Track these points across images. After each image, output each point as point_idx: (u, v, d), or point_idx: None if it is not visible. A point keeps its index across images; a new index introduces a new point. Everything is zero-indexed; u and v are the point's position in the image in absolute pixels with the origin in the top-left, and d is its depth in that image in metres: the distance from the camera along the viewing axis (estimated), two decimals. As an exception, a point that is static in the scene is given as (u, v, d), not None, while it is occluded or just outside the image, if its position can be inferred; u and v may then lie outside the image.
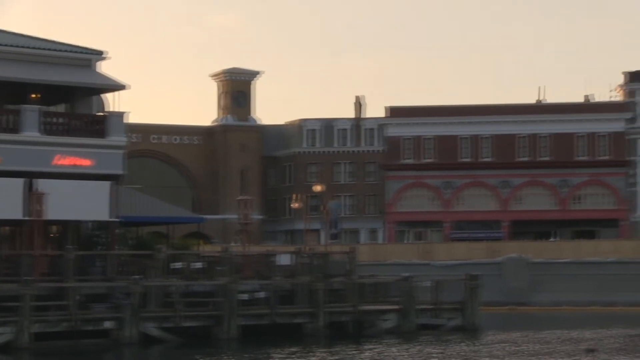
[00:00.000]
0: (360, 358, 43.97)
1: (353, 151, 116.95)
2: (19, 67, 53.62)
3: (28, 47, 55.19)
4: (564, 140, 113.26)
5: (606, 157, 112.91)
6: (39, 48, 55.65)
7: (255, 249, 69.81)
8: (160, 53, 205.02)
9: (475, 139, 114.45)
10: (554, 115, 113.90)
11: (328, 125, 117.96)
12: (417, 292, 57.43)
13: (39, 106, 52.80)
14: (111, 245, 54.09)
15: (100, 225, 54.69)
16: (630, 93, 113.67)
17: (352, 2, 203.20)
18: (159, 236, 66.55)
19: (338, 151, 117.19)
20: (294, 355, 44.97)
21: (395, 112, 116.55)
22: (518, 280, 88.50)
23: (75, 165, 52.88)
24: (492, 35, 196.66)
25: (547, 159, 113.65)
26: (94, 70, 56.79)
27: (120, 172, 54.47)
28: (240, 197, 76.88)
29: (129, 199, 58.72)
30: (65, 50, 56.37)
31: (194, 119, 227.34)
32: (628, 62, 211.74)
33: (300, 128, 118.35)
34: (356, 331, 54.80)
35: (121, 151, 54.48)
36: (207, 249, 73.36)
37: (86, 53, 57.03)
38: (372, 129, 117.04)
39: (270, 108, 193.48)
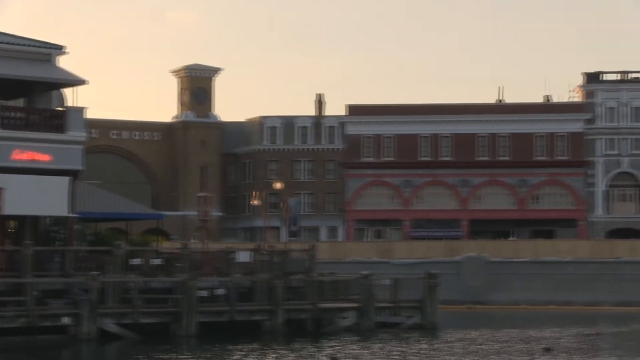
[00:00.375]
0: (321, 356, 43.97)
1: (313, 149, 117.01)
2: (-23, 61, 53.10)
3: (-14, 41, 54.65)
4: (523, 140, 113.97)
5: (565, 158, 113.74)
6: (-3, 42, 55.12)
7: (214, 245, 69.70)
8: (121, 48, 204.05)
9: (435, 138, 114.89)
10: (514, 115, 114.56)
11: (288, 122, 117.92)
12: (376, 290, 57.58)
13: (-3, 100, 52.31)
14: (69, 241, 53.70)
15: (59, 220, 54.26)
16: (589, 94, 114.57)
17: (312, 0, 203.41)
18: (117, 232, 66.18)
19: (298, 149, 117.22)
20: (253, 353, 44.91)
21: (356, 111, 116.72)
22: (476, 279, 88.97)
23: (33, 160, 52.42)
24: (453, 35, 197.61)
25: (506, 158, 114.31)
26: (54, 64, 56.32)
27: (79, 167, 54.08)
28: (199, 194, 76.78)
29: (88, 194, 58.37)
30: (25, 45, 55.84)
31: (154, 115, 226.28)
32: (587, 63, 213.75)
33: (260, 125, 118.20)
34: (315, 329, 54.83)
35: (80, 147, 54.09)
36: (166, 245, 73.13)
37: (46, 47, 56.54)
38: (332, 127, 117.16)
39: (231, 105, 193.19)
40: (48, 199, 52.55)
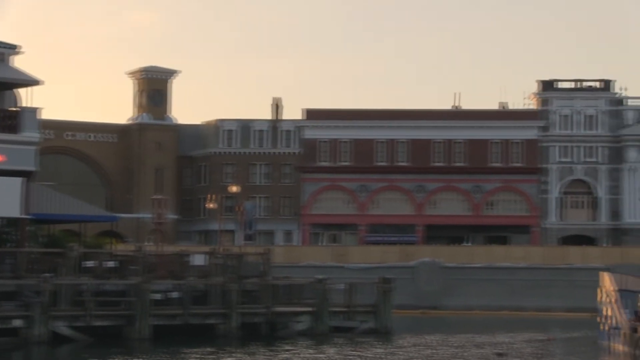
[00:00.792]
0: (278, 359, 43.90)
1: (269, 153, 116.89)
2: None
3: (-61, 40, 54.06)
4: (478, 147, 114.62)
5: (519, 164, 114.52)
6: (-50, 40, 54.55)
7: (169, 248, 69.40)
8: (77, 49, 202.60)
9: (391, 143, 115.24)
10: (469, 122, 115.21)
11: (245, 126, 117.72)
12: (330, 295, 57.63)
13: (-51, 100, 51.75)
14: (21, 242, 53.22)
15: (11, 222, 53.75)
16: (543, 101, 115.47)
17: (270, 4, 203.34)
18: (71, 234, 65.70)
19: (254, 152, 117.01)
20: (209, 357, 44.73)
21: (313, 115, 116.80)
22: (431, 284, 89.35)
23: (-14, 161, 51.90)
24: (409, 40, 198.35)
25: (461, 164, 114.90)
26: (8, 64, 55.81)
27: (32, 168, 53.63)
28: (155, 197, 76.48)
29: (41, 196, 57.85)
30: (-22, 44, 55.32)
31: (109, 117, 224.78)
32: (542, 71, 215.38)
33: (216, 128, 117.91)
34: (269, 333, 54.77)
35: (34, 147, 53.66)
36: (120, 248, 72.64)
37: (-1, 47, 56.02)
38: (289, 131, 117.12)
39: (187, 108, 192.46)
40: (0, 199, 52.03)
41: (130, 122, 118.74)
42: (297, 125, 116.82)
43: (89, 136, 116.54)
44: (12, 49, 56.30)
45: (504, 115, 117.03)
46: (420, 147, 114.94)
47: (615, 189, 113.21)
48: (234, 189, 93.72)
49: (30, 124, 53.47)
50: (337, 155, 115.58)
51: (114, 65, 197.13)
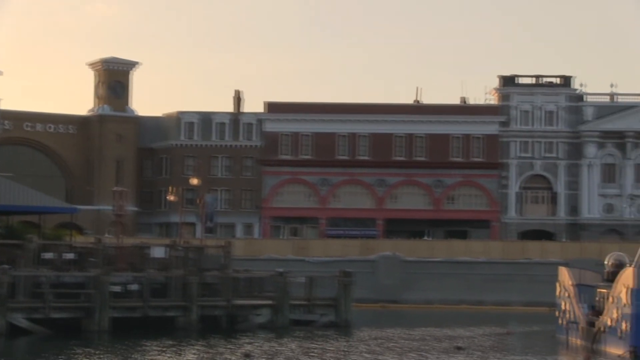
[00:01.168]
0: (238, 353, 43.79)
1: (231, 145, 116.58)
2: None
3: None
4: (439, 141, 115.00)
5: (480, 159, 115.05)
6: None
7: (129, 240, 69.00)
8: (36, 39, 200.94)
9: (352, 137, 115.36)
10: (430, 116, 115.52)
11: (206, 118, 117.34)
12: (291, 288, 57.63)
13: None
14: (-21, 233, 52.73)
15: (-31, 213, 53.24)
16: (504, 97, 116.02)
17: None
18: (30, 226, 65.18)
19: (215, 145, 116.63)
20: (171, 349, 44.56)
21: (274, 108, 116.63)
22: (391, 278, 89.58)
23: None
24: (372, 34, 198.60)
25: (422, 159, 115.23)
26: (-34, 54, 55.24)
27: (-10, 159, 53.11)
28: (115, 188, 76.05)
29: None
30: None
31: (69, 108, 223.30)
32: (503, 66, 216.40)
33: (178, 120, 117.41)
34: (229, 325, 54.68)
35: (-7, 138, 53.13)
36: (79, 239, 72.18)
37: (-42, 36, 55.41)
38: (250, 124, 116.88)
39: (148, 99, 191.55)
40: (-42, 190, 51.54)
41: (90, 113, 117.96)
42: (259, 118, 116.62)
43: (49, 127, 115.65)
44: (-29, 38, 55.69)
45: (464, 110, 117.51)
46: (381, 142, 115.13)
47: (574, 184, 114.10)
48: (195, 181, 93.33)
49: (-11, 114, 52.94)
50: (298, 148, 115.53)
51: (75, 56, 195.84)
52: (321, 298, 59.52)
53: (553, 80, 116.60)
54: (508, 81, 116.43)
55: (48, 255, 53.77)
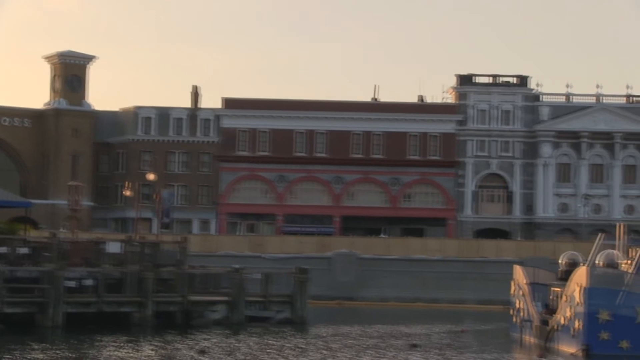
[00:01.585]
0: (194, 349, 43.66)
1: (188, 141, 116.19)
2: None
3: None
4: (396, 139, 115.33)
5: (437, 158, 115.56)
6: None
7: (84, 235, 68.65)
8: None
9: (310, 134, 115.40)
10: (388, 114, 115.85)
11: (163, 113, 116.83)
12: (246, 284, 57.54)
13: None
14: None
15: None
16: (461, 96, 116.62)
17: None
18: (-17, 220, 64.51)
19: (173, 140, 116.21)
20: (122, 345, 44.34)
21: (232, 104, 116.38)
22: (347, 275, 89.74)
23: None
24: (331, 32, 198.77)
25: (379, 156, 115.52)
26: None
27: (-56, 152, 52.55)
28: (70, 183, 75.43)
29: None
30: None
31: (25, 102, 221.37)
32: (461, 65, 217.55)
33: (135, 115, 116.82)
34: (184, 321, 54.52)
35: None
36: (34, 234, 71.62)
37: None
38: (207, 120, 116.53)
39: (105, 94, 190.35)
40: None
41: (46, 107, 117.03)
42: (216, 114, 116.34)
43: (4, 120, 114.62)
44: None
45: (422, 108, 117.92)
46: (339, 139, 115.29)
47: (529, 183, 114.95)
48: (152, 176, 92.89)
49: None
50: (255, 145, 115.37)
51: (31, 49, 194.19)
52: (277, 295, 59.47)
53: (510, 79, 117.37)
54: (465, 80, 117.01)
55: (2, 250, 53.32)
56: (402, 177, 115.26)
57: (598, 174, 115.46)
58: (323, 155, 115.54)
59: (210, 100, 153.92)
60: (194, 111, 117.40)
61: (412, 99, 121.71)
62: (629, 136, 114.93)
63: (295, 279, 59.35)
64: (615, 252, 48.53)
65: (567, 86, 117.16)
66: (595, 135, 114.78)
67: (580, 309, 45.05)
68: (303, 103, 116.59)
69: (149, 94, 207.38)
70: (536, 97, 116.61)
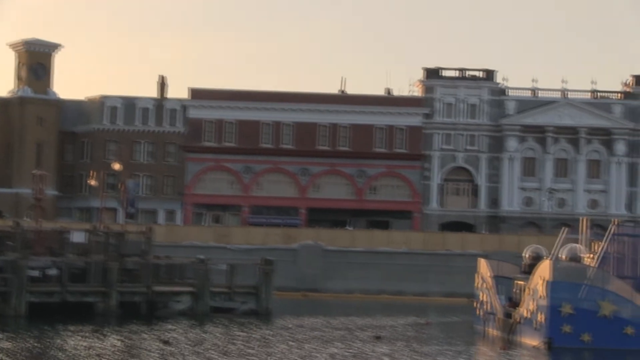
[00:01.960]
0: (157, 340, 43.56)
1: (154, 131, 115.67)
2: None
3: None
4: (363, 132, 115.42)
5: (403, 150, 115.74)
6: None
7: (48, 225, 68.20)
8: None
9: (276, 126, 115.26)
10: (355, 107, 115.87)
11: (129, 103, 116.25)
12: (212, 275, 57.51)
13: None
14: None
15: None
16: (428, 89, 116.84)
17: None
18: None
19: (138, 130, 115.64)
20: (86, 335, 44.16)
21: (198, 95, 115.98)
22: (312, 267, 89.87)
23: None
24: (297, 24, 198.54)
25: (346, 149, 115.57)
26: None
27: None
28: (34, 172, 74.94)
29: None
30: None
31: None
32: (428, 59, 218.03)
33: (100, 104, 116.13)
34: (149, 312, 54.40)
35: None
36: (-3, 223, 71.09)
37: None
38: (174, 110, 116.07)
39: (71, 82, 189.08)
40: None
41: (10, 95, 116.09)
42: (183, 104, 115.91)
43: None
44: None
45: (389, 101, 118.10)
46: (305, 131, 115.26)
47: (494, 177, 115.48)
48: (117, 166, 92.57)
49: None
50: (222, 135, 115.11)
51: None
52: (242, 286, 59.51)
53: (476, 73, 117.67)
54: (432, 74, 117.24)
55: (-36, 239, 52.95)
56: (368, 169, 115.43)
57: (563, 168, 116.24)
58: (289, 146, 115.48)
59: (177, 91, 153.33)
60: (161, 101, 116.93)
61: (379, 91, 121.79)
62: (594, 131, 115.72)
63: (261, 270, 59.41)
64: (578, 246, 48.96)
65: (533, 81, 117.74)
66: (561, 130, 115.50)
67: (543, 302, 45.39)
68: (270, 94, 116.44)
69: (115, 83, 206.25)
70: (502, 92, 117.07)
